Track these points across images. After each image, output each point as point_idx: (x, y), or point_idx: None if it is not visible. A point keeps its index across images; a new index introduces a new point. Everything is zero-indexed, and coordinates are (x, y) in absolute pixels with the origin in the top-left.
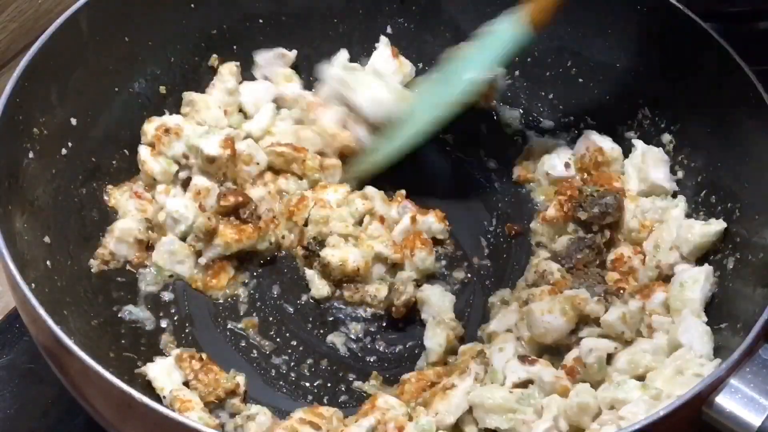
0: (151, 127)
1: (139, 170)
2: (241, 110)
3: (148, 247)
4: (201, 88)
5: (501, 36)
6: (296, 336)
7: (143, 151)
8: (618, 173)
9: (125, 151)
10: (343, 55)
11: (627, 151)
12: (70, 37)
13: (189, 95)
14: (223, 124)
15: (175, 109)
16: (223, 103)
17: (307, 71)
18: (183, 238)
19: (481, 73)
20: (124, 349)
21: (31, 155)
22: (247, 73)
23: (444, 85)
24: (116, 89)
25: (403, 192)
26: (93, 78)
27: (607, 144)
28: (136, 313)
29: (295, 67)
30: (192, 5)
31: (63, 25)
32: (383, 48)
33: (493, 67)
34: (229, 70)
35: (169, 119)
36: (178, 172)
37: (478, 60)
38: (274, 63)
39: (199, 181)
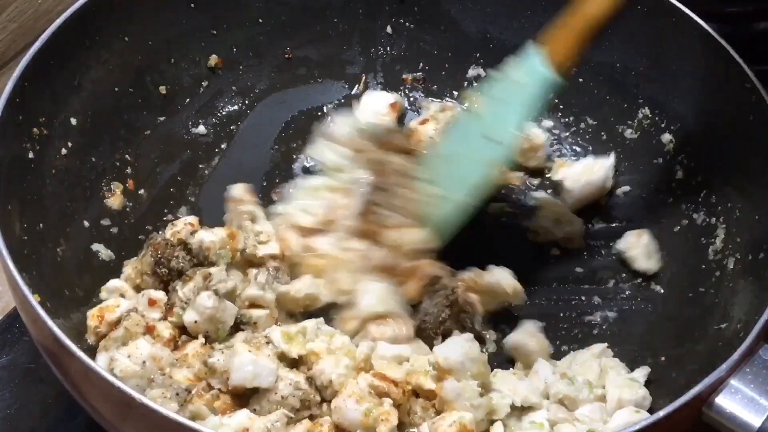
0: None
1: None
2: None
3: None
4: (200, 88)
5: (527, 84)
6: None
7: None
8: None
9: (125, 151)
10: None
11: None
12: (70, 37)
13: None
14: None
15: (174, 109)
16: None
17: (307, 72)
18: None
19: (511, 134)
20: None
21: (31, 155)
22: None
23: (469, 152)
24: (116, 89)
25: None
26: (93, 78)
27: (534, 131)
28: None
29: (296, 67)
30: (192, 5)
31: (63, 25)
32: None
33: (524, 124)
34: None
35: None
36: None
37: (513, 117)
38: None
39: None
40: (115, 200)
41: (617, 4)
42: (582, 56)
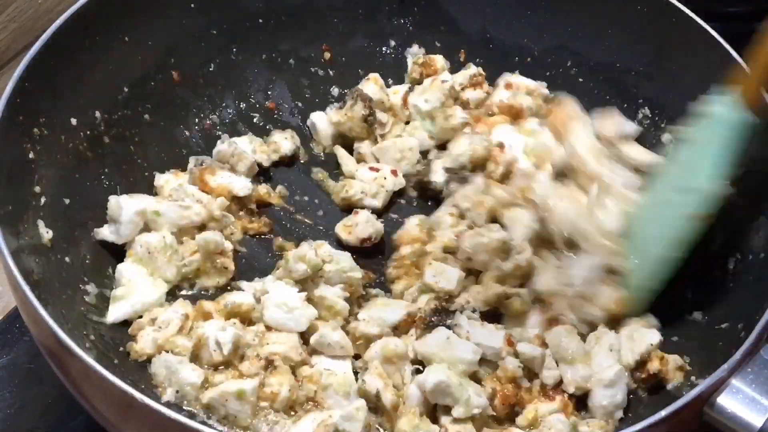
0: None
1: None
2: None
3: None
4: (200, 89)
5: (723, 128)
6: None
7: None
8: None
9: (125, 150)
10: None
11: None
12: (70, 37)
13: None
14: None
15: (174, 109)
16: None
17: (305, 74)
18: None
19: (716, 181)
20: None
21: (31, 155)
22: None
23: (675, 196)
24: (116, 89)
25: None
26: (93, 78)
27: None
28: None
29: (295, 71)
30: (192, 5)
31: (63, 25)
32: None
33: (727, 171)
34: None
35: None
36: None
37: (708, 163)
38: None
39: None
40: None
41: None
42: None
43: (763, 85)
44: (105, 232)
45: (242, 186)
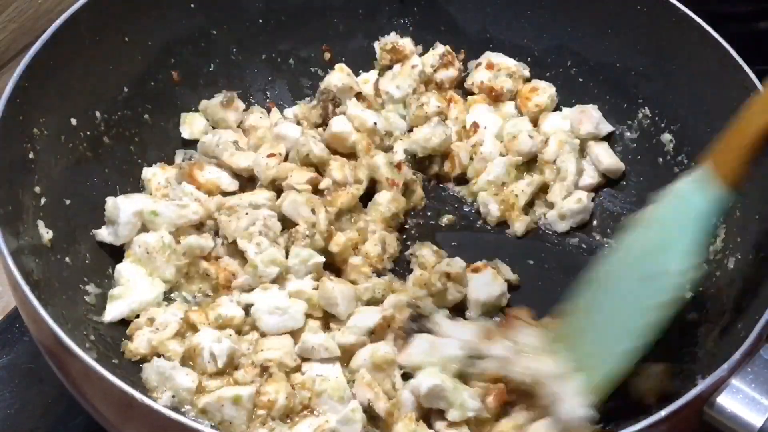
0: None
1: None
2: None
3: None
4: (200, 90)
5: (696, 206)
6: None
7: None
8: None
9: (125, 150)
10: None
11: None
12: (70, 37)
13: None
14: None
15: (174, 109)
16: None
17: (305, 74)
18: None
19: (687, 262)
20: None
21: (31, 155)
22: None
23: (643, 282)
24: (116, 89)
25: None
26: (93, 78)
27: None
28: None
29: (294, 71)
30: (192, 5)
31: (63, 25)
32: None
33: (700, 250)
34: None
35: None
36: None
37: (680, 244)
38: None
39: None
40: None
41: None
42: (752, 166)
43: (742, 157)
44: (103, 234)
45: (230, 182)
